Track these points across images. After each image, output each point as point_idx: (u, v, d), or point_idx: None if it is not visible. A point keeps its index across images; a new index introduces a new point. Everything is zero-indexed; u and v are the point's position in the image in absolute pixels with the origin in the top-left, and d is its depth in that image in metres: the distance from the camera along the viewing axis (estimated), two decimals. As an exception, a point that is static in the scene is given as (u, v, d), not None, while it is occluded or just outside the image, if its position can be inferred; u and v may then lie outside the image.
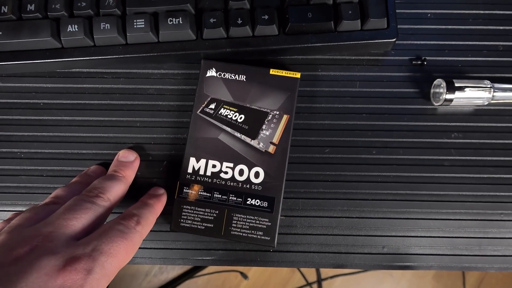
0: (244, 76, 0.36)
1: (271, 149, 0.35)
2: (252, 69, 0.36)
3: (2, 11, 0.35)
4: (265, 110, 0.36)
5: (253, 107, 0.36)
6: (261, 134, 0.35)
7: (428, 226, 0.36)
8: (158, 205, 0.33)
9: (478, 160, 0.37)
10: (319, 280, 1.22)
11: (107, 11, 0.35)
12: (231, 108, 0.36)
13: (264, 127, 0.35)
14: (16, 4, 0.35)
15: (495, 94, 0.36)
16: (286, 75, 0.36)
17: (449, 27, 0.39)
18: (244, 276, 1.23)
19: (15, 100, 0.38)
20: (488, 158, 0.37)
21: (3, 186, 0.37)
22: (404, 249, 0.36)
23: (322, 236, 0.36)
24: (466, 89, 0.36)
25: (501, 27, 0.39)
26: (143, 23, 0.35)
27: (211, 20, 0.35)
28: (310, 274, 1.22)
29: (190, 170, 0.35)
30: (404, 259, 0.36)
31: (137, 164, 0.36)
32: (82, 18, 0.35)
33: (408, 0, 0.40)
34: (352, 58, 0.39)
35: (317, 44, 0.36)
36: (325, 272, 1.23)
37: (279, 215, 0.34)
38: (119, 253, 0.26)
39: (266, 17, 0.35)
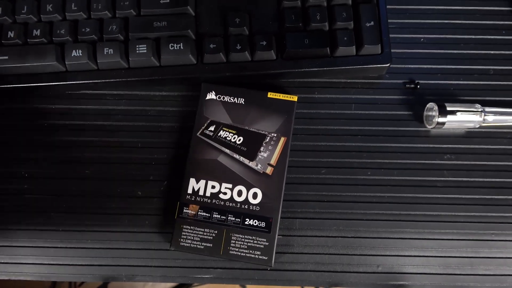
0: (243, 99, 0.37)
1: (269, 170, 0.36)
2: (251, 93, 0.37)
3: (8, 36, 0.36)
4: (263, 132, 0.37)
5: (251, 129, 0.37)
6: (259, 156, 0.36)
7: (421, 245, 0.37)
8: None
9: (470, 181, 0.38)
10: (317, 291, 1.23)
11: (110, 36, 0.36)
12: (230, 130, 0.37)
13: (262, 149, 0.36)
14: (22, 29, 0.37)
15: (486, 117, 0.38)
16: (284, 98, 0.37)
17: (442, 51, 0.41)
18: (243, 286, 1.23)
19: (21, 122, 0.39)
20: (480, 180, 0.38)
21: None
22: (398, 268, 0.37)
23: (318, 255, 0.37)
24: (457, 113, 0.37)
25: (491, 52, 0.41)
26: (145, 48, 0.36)
27: (211, 46, 0.36)
28: (308, 285, 1.23)
29: (190, 190, 0.36)
30: (398, 278, 0.37)
31: None
32: (86, 43, 0.36)
33: (402, 25, 0.41)
34: (348, 81, 0.40)
35: (313, 69, 0.37)
36: (323, 283, 1.23)
37: (276, 235, 0.35)
38: None
39: (264, 43, 0.36)
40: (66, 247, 0.37)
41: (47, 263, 0.37)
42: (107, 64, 0.36)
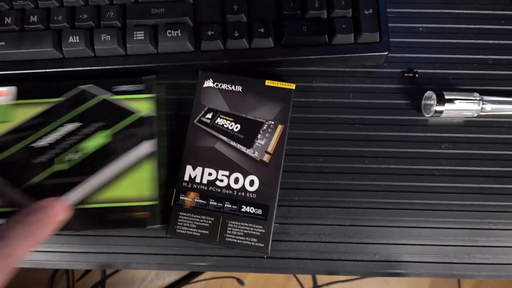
0: (240, 87, 0.37)
1: (266, 158, 0.36)
2: (248, 80, 0.37)
3: (5, 22, 0.36)
4: (261, 120, 0.37)
5: (248, 117, 0.37)
6: (256, 143, 0.36)
7: (418, 234, 0.37)
8: (41, 227, 0.26)
9: (468, 170, 0.38)
10: (315, 287, 1.23)
11: (107, 23, 0.36)
12: (227, 118, 0.37)
13: (259, 136, 0.36)
14: (19, 16, 0.36)
15: (484, 106, 0.38)
16: (281, 86, 0.37)
17: (440, 41, 0.41)
18: (240, 282, 1.23)
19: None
20: (477, 168, 0.38)
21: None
22: (395, 256, 0.37)
23: (315, 243, 0.37)
24: (455, 101, 0.37)
25: (490, 41, 0.41)
26: (142, 35, 0.36)
27: (209, 33, 0.36)
28: (306, 280, 1.23)
29: (186, 178, 0.36)
30: (395, 266, 0.37)
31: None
32: (83, 29, 0.36)
33: (401, 14, 0.41)
34: (346, 70, 0.40)
35: (311, 57, 0.37)
36: (321, 279, 1.23)
37: (273, 223, 0.35)
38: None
39: (262, 30, 0.36)
40: (61, 234, 0.37)
41: (42, 250, 0.37)
42: (104, 50, 0.36)
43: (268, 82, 0.37)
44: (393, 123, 0.39)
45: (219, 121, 0.37)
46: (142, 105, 0.36)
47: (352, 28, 0.37)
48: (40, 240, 0.26)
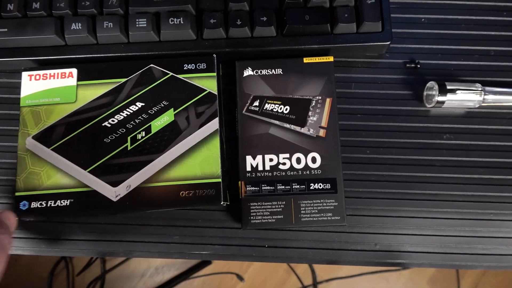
0: (280, 70, 0.37)
1: (322, 132, 0.36)
2: (286, 61, 0.37)
3: (8, 9, 0.36)
4: (308, 97, 0.37)
5: (295, 96, 0.37)
6: (309, 121, 0.36)
7: (419, 224, 0.37)
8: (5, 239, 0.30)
9: (469, 161, 0.38)
10: (315, 283, 1.23)
11: (110, 10, 0.36)
12: (275, 102, 0.37)
13: (310, 113, 0.36)
14: (22, 2, 0.36)
15: (486, 97, 0.38)
16: (320, 60, 0.37)
17: (443, 31, 0.41)
18: (240, 278, 1.23)
19: (16, 95, 0.39)
20: (479, 159, 0.38)
21: None
22: (396, 246, 0.37)
23: (316, 232, 0.37)
24: (457, 91, 0.37)
25: (492, 33, 0.41)
26: (145, 22, 0.36)
27: (211, 21, 0.36)
28: (306, 277, 1.23)
29: (249, 168, 0.36)
30: (396, 256, 0.37)
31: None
32: (85, 16, 0.36)
33: (403, 5, 0.41)
34: (348, 61, 0.40)
35: (313, 46, 0.37)
36: (321, 275, 1.23)
37: (343, 194, 0.35)
38: None
39: (265, 18, 0.36)
40: (63, 222, 0.37)
41: (42, 237, 0.37)
42: (106, 38, 0.36)
43: (306, 59, 0.37)
44: (395, 113, 0.39)
45: (268, 106, 0.37)
46: (205, 83, 0.37)
47: (355, 17, 0.37)
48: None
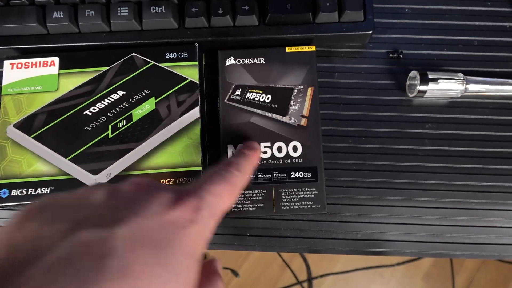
0: (263, 59, 0.37)
1: (303, 121, 0.36)
2: (269, 51, 0.37)
3: (-10, -3, 0.36)
4: (290, 86, 0.37)
5: (277, 85, 0.37)
6: (291, 110, 0.36)
7: (401, 213, 0.37)
8: (255, 157, 0.31)
9: (451, 150, 0.38)
10: (310, 279, 1.23)
11: (92, -1, 0.36)
12: (257, 91, 0.37)
13: (292, 102, 0.36)
14: (4, -9, 0.36)
15: (468, 86, 0.38)
16: (302, 50, 0.37)
17: (426, 21, 0.41)
18: (235, 273, 1.23)
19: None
20: (461, 149, 0.38)
21: None
22: (377, 235, 0.37)
23: (298, 221, 0.37)
24: (439, 80, 0.37)
25: (476, 23, 0.41)
26: (126, 11, 0.36)
27: (193, 10, 0.36)
28: (301, 272, 1.23)
29: (230, 156, 0.36)
30: (378, 245, 0.37)
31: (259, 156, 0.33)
32: (67, 5, 0.36)
33: (387, -5, 0.41)
34: (331, 50, 0.40)
35: (295, 35, 0.37)
36: (316, 271, 1.23)
37: (324, 182, 0.35)
38: (223, 194, 0.25)
39: (247, 7, 0.36)
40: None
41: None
42: (88, 26, 0.36)
43: (288, 49, 0.37)
44: (378, 103, 0.39)
45: (249, 95, 0.37)
46: (187, 72, 0.37)
47: (337, 6, 0.37)
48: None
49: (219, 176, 0.26)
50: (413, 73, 0.38)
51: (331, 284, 1.23)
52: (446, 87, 0.37)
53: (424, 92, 0.37)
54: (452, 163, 0.38)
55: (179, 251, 0.19)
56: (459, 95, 0.38)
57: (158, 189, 0.22)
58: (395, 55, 0.40)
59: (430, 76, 0.37)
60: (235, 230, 0.37)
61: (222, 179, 0.26)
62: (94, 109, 0.36)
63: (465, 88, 0.37)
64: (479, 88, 0.38)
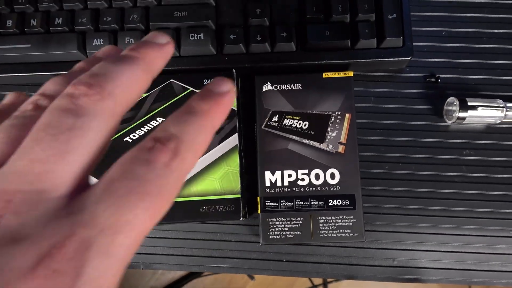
0: (300, 84, 0.37)
1: (341, 149, 0.36)
2: (306, 76, 0.37)
3: (31, 24, 0.37)
4: (327, 112, 0.37)
5: (315, 112, 0.37)
6: (328, 136, 0.36)
7: (438, 240, 0.37)
8: (214, 108, 0.17)
9: (489, 177, 0.38)
10: (325, 283, 1.23)
11: (131, 25, 0.37)
12: (294, 117, 0.37)
13: (329, 129, 0.36)
14: (45, 18, 0.37)
15: (508, 113, 0.37)
16: (339, 75, 0.37)
17: (463, 45, 0.40)
18: (251, 277, 1.24)
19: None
20: (499, 176, 0.38)
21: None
22: (413, 262, 0.37)
23: (334, 247, 0.37)
24: (479, 108, 0.37)
25: (515, 46, 0.40)
26: (166, 38, 0.36)
27: (231, 36, 0.36)
28: (316, 276, 1.23)
29: (267, 183, 0.36)
30: (414, 272, 0.37)
31: (168, 50, 0.19)
32: (107, 32, 0.37)
33: (423, 18, 0.41)
34: (367, 74, 0.40)
35: (333, 61, 0.37)
36: (331, 275, 1.23)
37: (362, 210, 0.35)
38: (137, 227, 0.13)
39: (285, 34, 0.36)
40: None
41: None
42: (127, 53, 0.37)
43: (325, 75, 0.37)
44: (414, 128, 0.39)
45: (287, 121, 0.37)
46: None
47: (375, 32, 0.36)
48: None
49: (135, 186, 0.14)
50: (452, 99, 0.38)
51: (346, 287, 1.23)
52: (486, 113, 0.37)
53: (463, 119, 0.37)
54: (489, 190, 0.38)
55: None
56: (498, 122, 0.38)
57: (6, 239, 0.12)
58: (432, 79, 0.39)
59: (469, 103, 0.37)
60: (271, 255, 0.38)
61: (140, 193, 0.14)
62: (134, 136, 0.36)
63: (505, 115, 0.37)
64: (518, 114, 0.37)
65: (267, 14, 0.37)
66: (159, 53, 0.19)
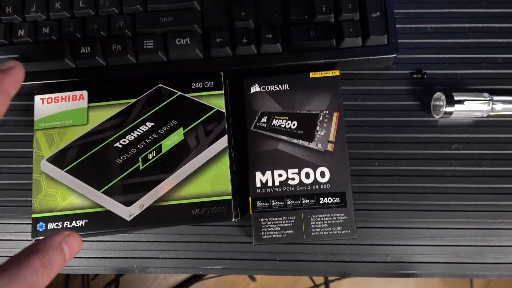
0: (287, 85, 0.38)
1: (330, 147, 0.36)
2: (293, 77, 0.38)
3: (19, 34, 0.37)
4: (315, 112, 0.37)
5: (303, 111, 0.37)
6: (317, 135, 0.37)
7: (430, 235, 0.38)
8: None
9: (479, 171, 0.38)
10: (326, 282, 1.23)
11: (118, 32, 0.37)
12: (282, 118, 0.37)
13: (318, 128, 0.37)
14: (32, 28, 0.37)
15: (494, 106, 0.37)
16: (326, 75, 0.38)
17: (449, 40, 0.40)
18: (252, 278, 1.24)
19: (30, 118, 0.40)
20: (488, 168, 0.38)
21: (22, 200, 0.39)
22: (407, 257, 0.37)
23: (327, 245, 0.38)
24: (465, 102, 0.37)
25: (500, 40, 0.40)
26: (152, 43, 0.36)
27: (218, 40, 0.37)
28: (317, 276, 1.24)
29: (258, 184, 0.36)
30: (408, 267, 0.37)
31: (15, 73, 0.26)
32: (94, 39, 0.37)
33: (408, 15, 0.41)
34: (354, 73, 0.40)
35: (319, 61, 0.37)
36: (333, 274, 1.24)
37: (353, 207, 0.36)
38: None
39: (270, 36, 0.37)
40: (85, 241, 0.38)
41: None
42: (115, 60, 0.37)
43: (312, 74, 0.38)
44: (403, 124, 0.39)
45: (275, 122, 0.37)
46: (213, 101, 0.37)
47: (360, 31, 0.37)
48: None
49: None
50: (438, 94, 0.38)
51: (347, 287, 1.23)
52: (473, 107, 0.37)
53: (450, 113, 0.37)
54: (479, 183, 0.38)
55: None
56: (485, 115, 0.38)
57: None
58: (419, 75, 0.40)
59: (456, 98, 0.37)
60: (265, 255, 0.38)
61: None
62: (124, 141, 0.36)
63: (491, 108, 0.37)
64: (505, 107, 0.38)
65: (252, 16, 0.37)
66: (8, 76, 0.25)
